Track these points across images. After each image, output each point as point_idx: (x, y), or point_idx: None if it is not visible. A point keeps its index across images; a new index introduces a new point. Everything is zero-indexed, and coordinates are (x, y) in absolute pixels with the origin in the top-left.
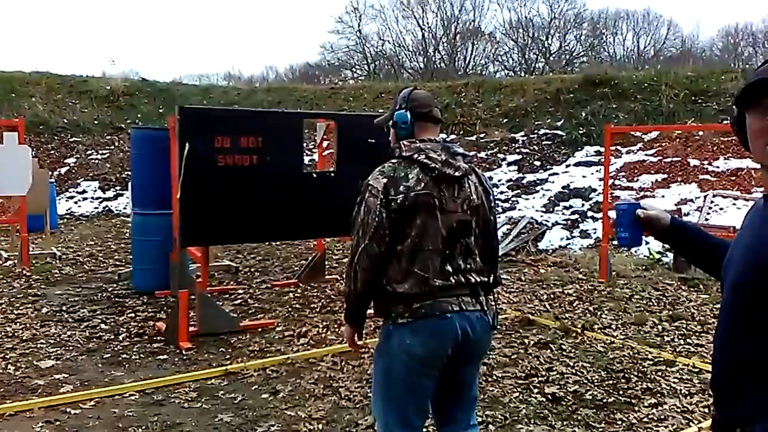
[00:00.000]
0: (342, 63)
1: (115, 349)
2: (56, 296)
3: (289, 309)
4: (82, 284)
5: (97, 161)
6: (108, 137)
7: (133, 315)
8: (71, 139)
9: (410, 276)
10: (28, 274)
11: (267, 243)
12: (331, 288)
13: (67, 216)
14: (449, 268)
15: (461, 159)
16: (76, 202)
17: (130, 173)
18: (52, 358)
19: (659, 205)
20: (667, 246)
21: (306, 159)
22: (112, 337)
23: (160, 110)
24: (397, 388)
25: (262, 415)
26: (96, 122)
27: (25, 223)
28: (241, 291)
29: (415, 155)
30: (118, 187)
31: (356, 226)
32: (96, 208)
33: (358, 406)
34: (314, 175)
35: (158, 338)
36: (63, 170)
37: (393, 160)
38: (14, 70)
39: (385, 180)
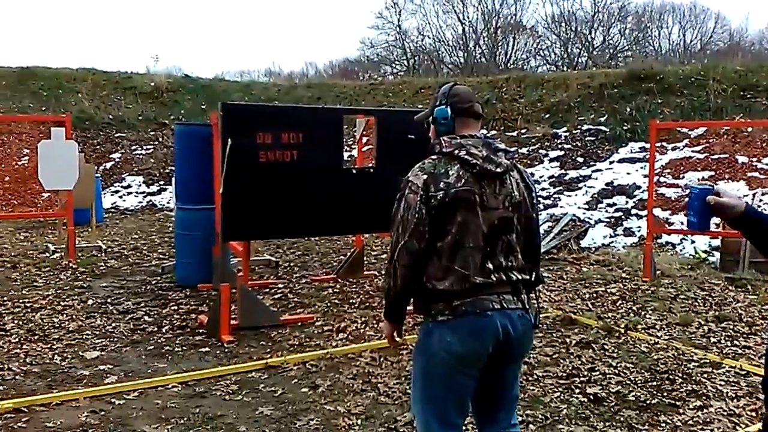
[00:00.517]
0: (381, 58)
1: (159, 341)
2: (101, 288)
3: (328, 304)
4: (127, 277)
5: (141, 156)
6: (152, 133)
7: (175, 308)
8: (116, 135)
9: (450, 273)
10: (74, 266)
11: (306, 238)
12: (370, 284)
13: (112, 210)
14: (490, 265)
15: (503, 155)
16: (120, 197)
17: (173, 168)
18: (98, 349)
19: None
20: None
21: (345, 155)
22: (156, 329)
23: (203, 106)
24: (436, 386)
25: (301, 408)
26: (140, 118)
27: (72, 216)
28: (281, 285)
29: (456, 151)
30: (161, 182)
31: (396, 222)
32: (140, 202)
33: (396, 402)
34: (354, 171)
35: (200, 331)
36: (108, 165)
37: (433, 157)
38: (61, 67)
39: (425, 176)
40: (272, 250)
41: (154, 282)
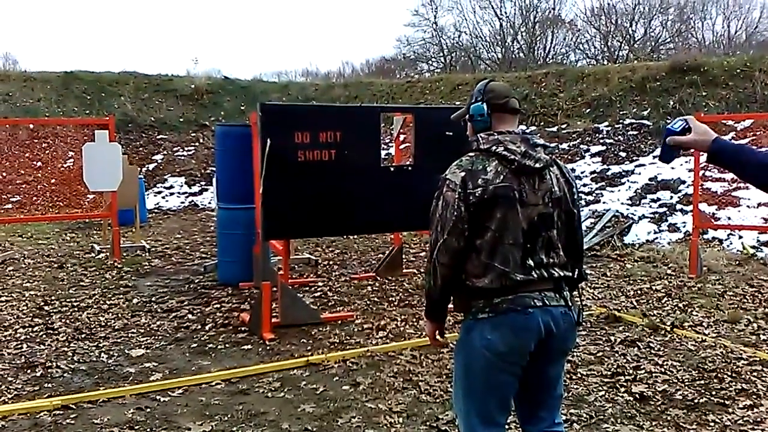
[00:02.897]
0: (418, 56)
1: (202, 338)
2: (146, 287)
3: (368, 302)
4: (170, 276)
5: (183, 157)
6: (193, 134)
7: (218, 306)
8: (158, 137)
9: (490, 270)
10: (119, 266)
11: (345, 237)
12: (409, 282)
13: (156, 210)
14: (531, 262)
15: (542, 150)
16: (163, 197)
17: (214, 169)
18: (143, 347)
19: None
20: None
21: (383, 153)
22: (199, 327)
23: (242, 107)
24: (478, 383)
25: (343, 406)
26: (181, 120)
27: (117, 217)
28: (320, 283)
29: (494, 147)
30: (203, 182)
31: (434, 221)
32: (182, 202)
33: (438, 400)
34: (391, 169)
35: (242, 329)
36: (151, 166)
37: (471, 154)
38: (104, 71)
39: (462, 173)
40: (311, 249)
41: (196, 281)
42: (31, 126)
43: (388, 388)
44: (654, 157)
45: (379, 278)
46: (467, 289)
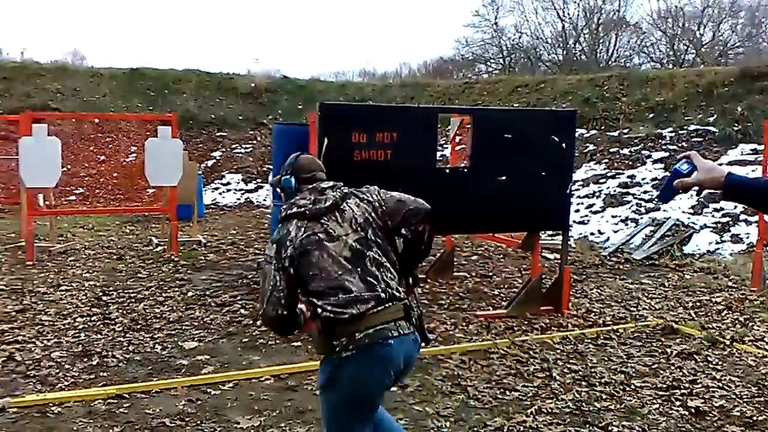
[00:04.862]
0: (476, 57)
1: (253, 334)
2: (201, 281)
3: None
4: (225, 271)
5: (240, 155)
6: (251, 132)
7: None
8: (218, 134)
9: (339, 301)
10: (176, 259)
11: None
12: (459, 285)
13: (212, 206)
14: (370, 279)
15: (330, 191)
16: (220, 193)
17: (270, 167)
18: (196, 339)
19: None
20: None
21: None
22: (251, 322)
23: (299, 106)
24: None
25: (389, 408)
26: (240, 118)
27: (175, 212)
28: None
29: (288, 211)
30: (258, 180)
31: (259, 294)
32: (238, 199)
33: (486, 406)
34: (447, 171)
35: None
36: (210, 163)
37: (279, 224)
38: (168, 68)
39: (274, 246)
40: None
41: (250, 276)
42: (96, 120)
43: (435, 391)
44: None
45: (429, 280)
46: (323, 329)
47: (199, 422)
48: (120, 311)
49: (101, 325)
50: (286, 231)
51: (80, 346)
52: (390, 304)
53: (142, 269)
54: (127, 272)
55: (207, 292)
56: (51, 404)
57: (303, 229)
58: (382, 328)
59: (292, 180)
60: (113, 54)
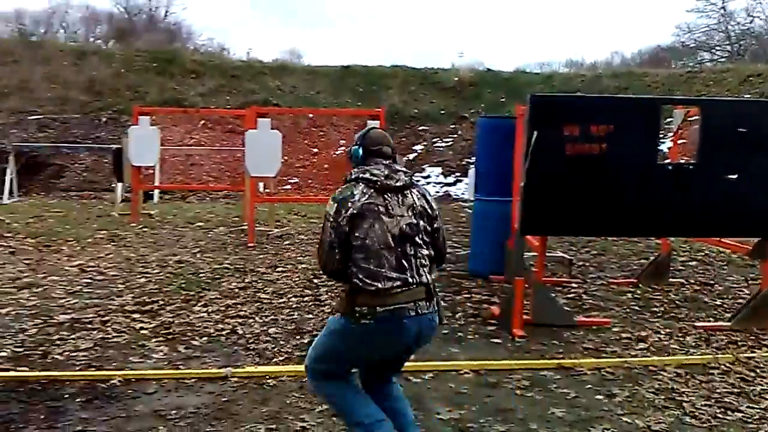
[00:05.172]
0: (700, 44)
1: (452, 326)
2: None
3: (627, 310)
4: None
5: (441, 148)
6: (452, 126)
7: (468, 296)
8: (420, 128)
9: (368, 272)
10: None
11: (604, 238)
12: (676, 292)
13: None
14: (404, 261)
15: (402, 174)
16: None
17: (469, 160)
18: None
19: None
20: None
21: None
22: (450, 314)
23: (502, 99)
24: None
25: (596, 416)
26: (442, 112)
27: None
28: (574, 285)
29: (360, 175)
30: (458, 174)
31: (318, 246)
32: (437, 192)
33: (704, 425)
34: (669, 167)
35: (492, 322)
36: (411, 156)
37: (344, 185)
38: (376, 65)
39: (335, 204)
40: (565, 248)
41: (448, 269)
42: (311, 115)
43: (646, 404)
44: None
45: (641, 285)
46: (351, 289)
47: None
48: (329, 294)
49: (312, 306)
50: (350, 193)
51: (293, 324)
52: (414, 286)
53: None
54: None
55: None
56: (267, 377)
57: (368, 196)
58: (402, 307)
59: (360, 150)
60: (327, 52)
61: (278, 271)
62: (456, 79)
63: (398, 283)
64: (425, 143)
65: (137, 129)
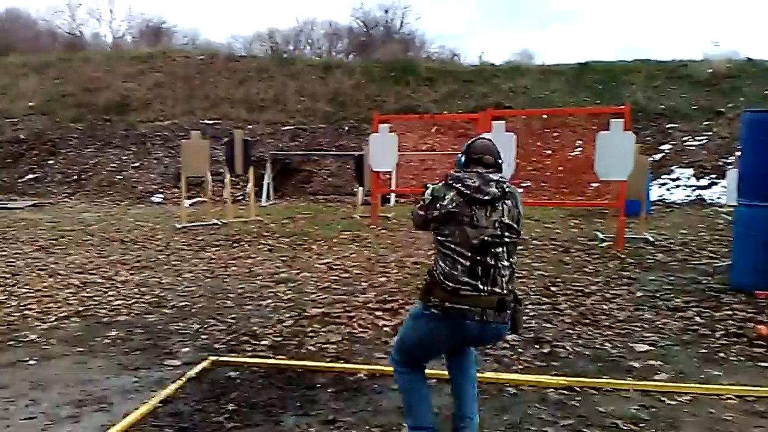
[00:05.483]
0: None
1: (711, 345)
2: (650, 282)
3: None
4: (675, 273)
5: (692, 148)
6: (705, 123)
7: (730, 312)
8: (667, 126)
9: (445, 271)
10: (622, 256)
11: None
12: None
13: (658, 202)
14: (479, 269)
15: (494, 185)
16: (668, 189)
17: (726, 161)
18: (647, 342)
19: None
20: None
21: None
22: (708, 332)
23: (766, 91)
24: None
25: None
26: (694, 107)
27: (624, 207)
28: None
29: (454, 183)
30: (713, 176)
31: (414, 209)
32: (688, 196)
33: None
34: None
35: (759, 343)
36: (657, 156)
37: (441, 183)
38: (616, 60)
39: (431, 196)
40: None
41: (704, 281)
42: (545, 116)
43: None
44: None
45: None
46: (431, 280)
47: (653, 430)
48: (568, 303)
49: (551, 315)
50: (442, 195)
51: (531, 332)
52: (485, 295)
53: (588, 264)
54: (573, 265)
55: (657, 294)
56: (507, 384)
57: (455, 204)
58: (467, 309)
59: (463, 158)
60: (562, 51)
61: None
62: (710, 71)
63: (468, 287)
64: (674, 142)
65: (377, 136)
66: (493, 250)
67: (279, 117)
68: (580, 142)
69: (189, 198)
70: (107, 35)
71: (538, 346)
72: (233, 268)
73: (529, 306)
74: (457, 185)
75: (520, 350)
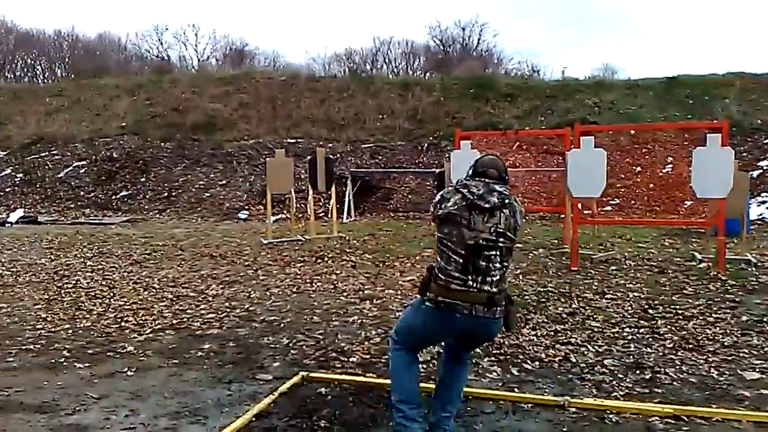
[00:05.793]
0: None
1: None
2: (755, 305)
3: None
4: None
5: None
6: None
7: None
8: (765, 141)
9: (441, 267)
10: (723, 278)
11: None
12: None
13: (758, 221)
14: (470, 268)
15: (496, 195)
16: (767, 207)
17: None
18: (757, 370)
19: None
20: None
21: None
22: None
23: None
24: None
25: None
26: None
27: (723, 226)
28: None
29: (460, 188)
30: None
31: (434, 203)
32: None
33: None
34: None
35: None
36: (755, 173)
37: (450, 188)
38: (708, 73)
39: (439, 198)
40: None
41: None
42: (632, 132)
43: None
44: None
45: None
46: (429, 276)
47: None
48: (668, 327)
49: (650, 339)
50: (449, 198)
51: (631, 357)
52: (474, 291)
53: (686, 285)
54: (671, 287)
55: (764, 319)
56: (608, 411)
57: (457, 206)
58: (456, 303)
59: (470, 171)
60: (650, 64)
61: (607, 298)
62: None
63: (458, 282)
64: None
65: (459, 152)
66: (486, 252)
67: (359, 135)
68: (671, 158)
69: (273, 215)
70: (193, 58)
71: (638, 372)
72: (318, 283)
73: (627, 329)
74: (463, 190)
75: (620, 376)
